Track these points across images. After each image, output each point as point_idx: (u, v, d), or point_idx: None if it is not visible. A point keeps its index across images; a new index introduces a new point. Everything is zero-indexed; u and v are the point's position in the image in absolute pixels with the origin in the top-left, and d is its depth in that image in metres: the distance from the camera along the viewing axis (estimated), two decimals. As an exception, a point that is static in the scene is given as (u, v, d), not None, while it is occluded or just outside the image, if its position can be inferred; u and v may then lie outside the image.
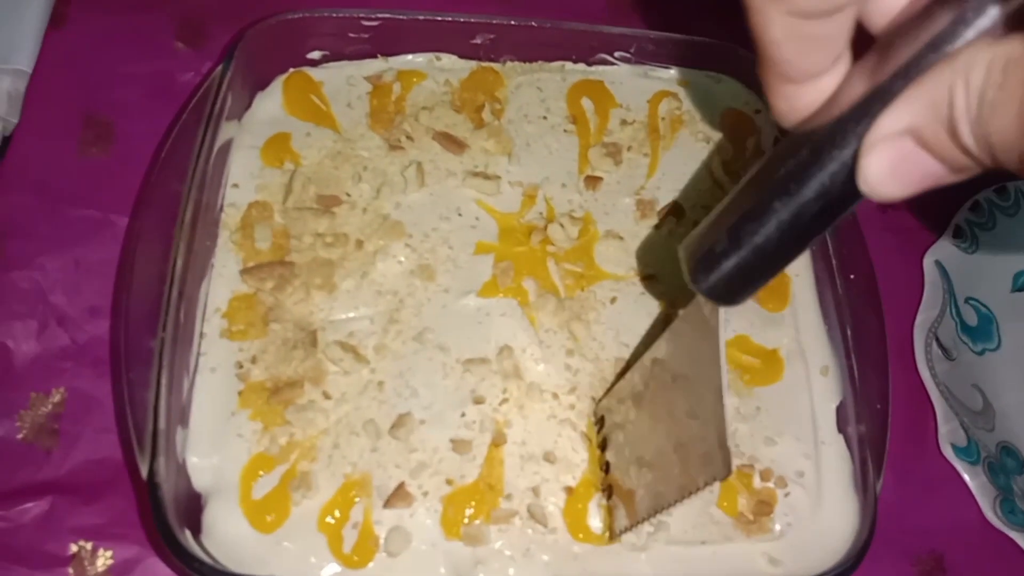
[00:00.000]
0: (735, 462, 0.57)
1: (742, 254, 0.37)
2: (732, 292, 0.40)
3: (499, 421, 0.57)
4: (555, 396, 0.58)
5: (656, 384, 0.51)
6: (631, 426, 0.53)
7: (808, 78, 0.33)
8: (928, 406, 0.70)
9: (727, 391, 0.43)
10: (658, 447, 0.50)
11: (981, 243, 0.75)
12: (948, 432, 0.69)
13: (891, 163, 0.29)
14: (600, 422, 0.57)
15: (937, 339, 0.73)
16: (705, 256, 0.39)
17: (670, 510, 0.48)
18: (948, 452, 0.68)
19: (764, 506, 0.56)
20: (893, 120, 0.29)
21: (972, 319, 0.74)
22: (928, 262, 0.76)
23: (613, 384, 0.58)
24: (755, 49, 0.33)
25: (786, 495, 0.57)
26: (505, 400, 0.58)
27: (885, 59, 0.30)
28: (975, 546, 0.67)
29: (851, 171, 0.31)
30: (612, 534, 0.54)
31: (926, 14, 0.29)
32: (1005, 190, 0.74)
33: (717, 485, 0.56)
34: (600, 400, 0.58)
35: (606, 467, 0.56)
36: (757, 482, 0.57)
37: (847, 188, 0.31)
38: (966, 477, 0.68)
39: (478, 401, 0.57)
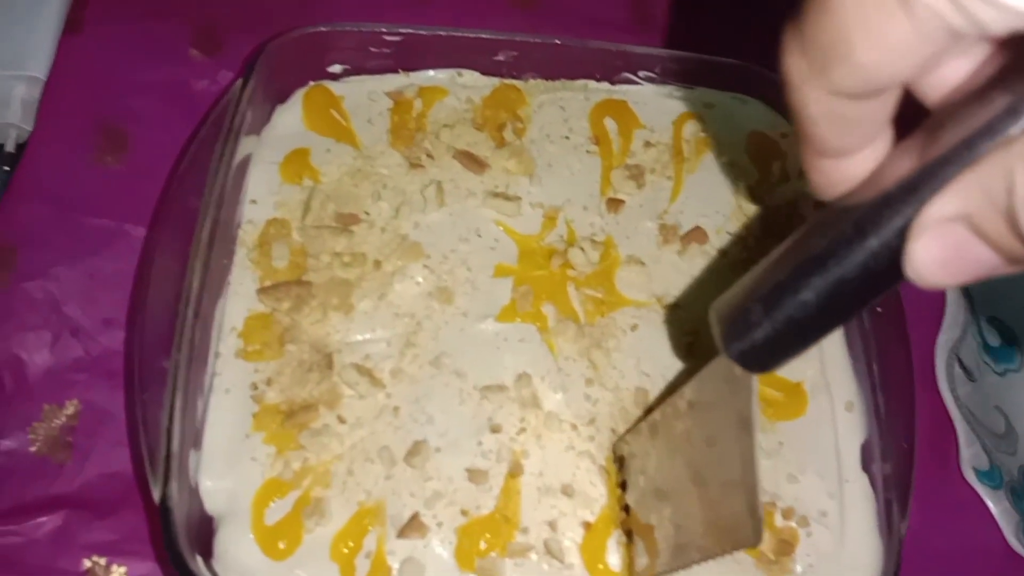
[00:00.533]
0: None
1: (776, 326, 0.36)
2: (764, 361, 0.39)
3: (516, 451, 0.56)
4: (573, 427, 0.57)
5: (682, 430, 0.50)
6: (653, 471, 0.52)
7: (847, 155, 0.32)
8: (950, 428, 0.69)
9: (759, 454, 0.41)
10: (682, 498, 0.49)
11: None
12: (971, 456, 0.68)
13: (942, 251, 0.28)
14: (620, 461, 0.56)
15: (959, 360, 0.72)
16: (738, 323, 0.38)
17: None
18: (970, 476, 0.67)
19: (786, 546, 0.55)
20: (946, 205, 0.27)
21: (995, 339, 0.73)
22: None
23: (636, 422, 0.57)
24: (794, 124, 0.32)
25: (808, 535, 0.56)
26: (523, 430, 0.57)
27: (936, 139, 0.29)
28: (997, 573, 0.66)
29: (895, 252, 0.30)
30: None
31: (982, 95, 0.28)
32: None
33: None
34: (621, 437, 0.57)
35: (626, 509, 0.55)
36: (779, 520, 0.56)
37: (890, 269, 0.30)
38: (988, 502, 0.67)
39: (495, 430, 0.56)
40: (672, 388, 0.53)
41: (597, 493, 0.56)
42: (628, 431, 0.57)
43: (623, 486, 0.56)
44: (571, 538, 0.54)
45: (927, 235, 0.28)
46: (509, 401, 0.57)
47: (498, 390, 0.57)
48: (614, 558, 0.54)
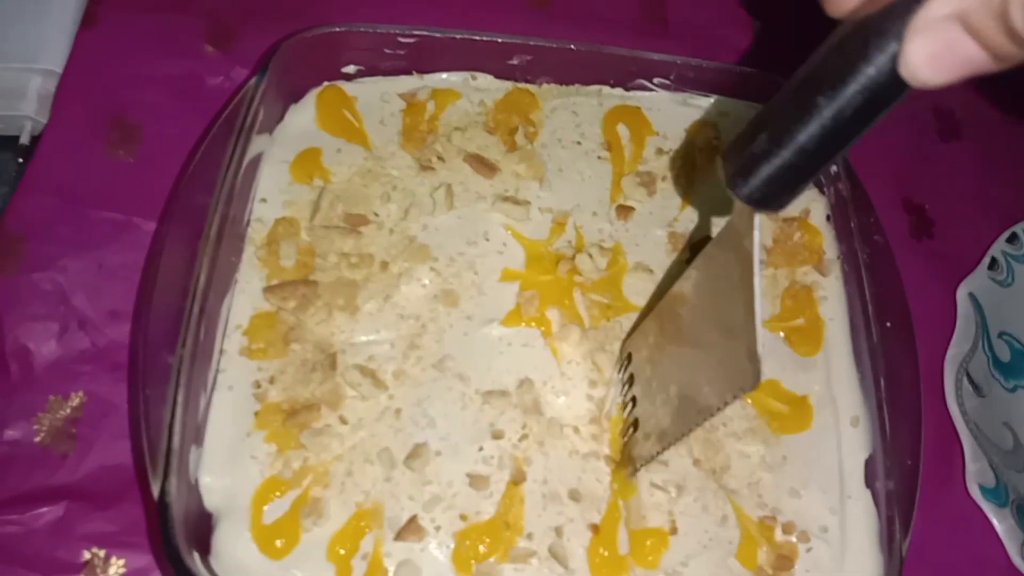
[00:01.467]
0: (758, 513, 0.56)
1: (783, 154, 0.37)
2: (771, 196, 0.40)
3: (518, 458, 0.56)
4: (576, 430, 0.57)
5: (685, 312, 0.50)
6: (658, 358, 0.53)
7: None
8: (956, 443, 0.68)
9: (760, 299, 0.41)
10: (686, 374, 0.49)
11: (1017, 276, 0.73)
12: (976, 472, 0.67)
13: (934, 48, 0.30)
14: (627, 359, 0.57)
15: (968, 374, 0.71)
16: (745, 160, 0.39)
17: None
18: (975, 492, 0.66)
19: (785, 561, 0.54)
20: (940, 5, 0.29)
21: (1005, 355, 0.72)
22: (961, 294, 0.74)
23: (639, 321, 0.58)
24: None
25: (808, 550, 0.55)
26: (525, 436, 0.56)
27: None
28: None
29: (896, 61, 0.31)
30: (632, 464, 0.54)
31: None
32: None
33: (736, 536, 0.55)
34: (627, 338, 0.58)
35: (632, 401, 0.55)
36: (779, 535, 0.55)
37: (891, 80, 0.32)
38: (994, 520, 0.66)
39: (497, 436, 0.56)
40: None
41: (603, 488, 0.56)
42: (633, 329, 0.57)
43: (630, 382, 0.56)
44: (578, 543, 0.54)
45: (921, 34, 0.30)
46: (511, 407, 0.57)
47: (500, 396, 0.57)
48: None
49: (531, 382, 0.58)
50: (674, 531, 0.55)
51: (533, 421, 0.57)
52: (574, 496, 0.55)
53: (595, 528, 0.54)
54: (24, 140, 0.69)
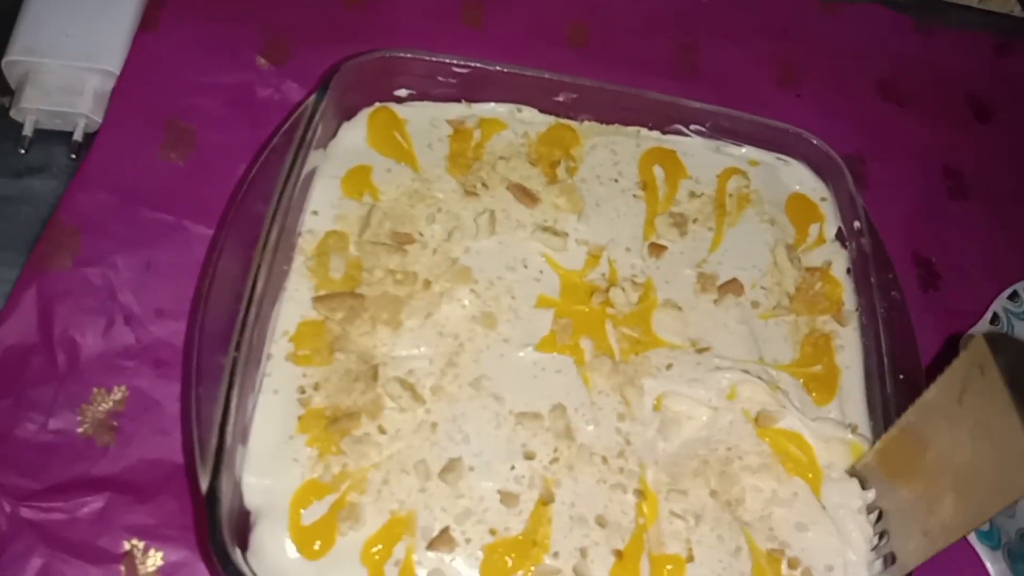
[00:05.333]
0: (767, 545, 0.58)
1: None
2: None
3: (548, 479, 0.58)
4: (604, 460, 0.60)
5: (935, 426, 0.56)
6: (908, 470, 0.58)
7: None
8: None
9: None
10: (951, 485, 0.54)
11: (1017, 331, 0.76)
12: None
13: None
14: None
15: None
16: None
17: None
18: (970, 536, 0.69)
19: None
20: None
21: None
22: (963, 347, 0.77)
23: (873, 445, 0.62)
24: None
25: (813, 587, 0.58)
26: (556, 459, 0.59)
27: None
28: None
29: None
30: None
31: None
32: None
33: (748, 568, 0.57)
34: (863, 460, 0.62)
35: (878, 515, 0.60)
36: (784, 569, 0.58)
37: None
38: (987, 563, 0.68)
39: (528, 456, 0.58)
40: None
41: (627, 520, 0.58)
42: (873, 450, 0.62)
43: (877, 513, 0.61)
44: (602, 566, 0.56)
45: None
46: (543, 431, 0.59)
47: (533, 418, 0.59)
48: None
49: (563, 408, 0.60)
50: (691, 559, 0.57)
51: (564, 446, 0.59)
52: (600, 522, 0.57)
53: (619, 554, 0.56)
54: (77, 136, 0.71)
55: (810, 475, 0.61)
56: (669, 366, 0.64)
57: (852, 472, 0.62)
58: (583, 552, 0.56)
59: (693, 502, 0.59)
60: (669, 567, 0.57)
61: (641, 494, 0.59)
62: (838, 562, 0.59)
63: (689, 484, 0.60)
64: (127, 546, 0.57)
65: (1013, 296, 0.77)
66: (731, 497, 0.60)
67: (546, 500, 0.57)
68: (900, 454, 0.59)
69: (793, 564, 0.58)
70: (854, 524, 0.60)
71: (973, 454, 0.52)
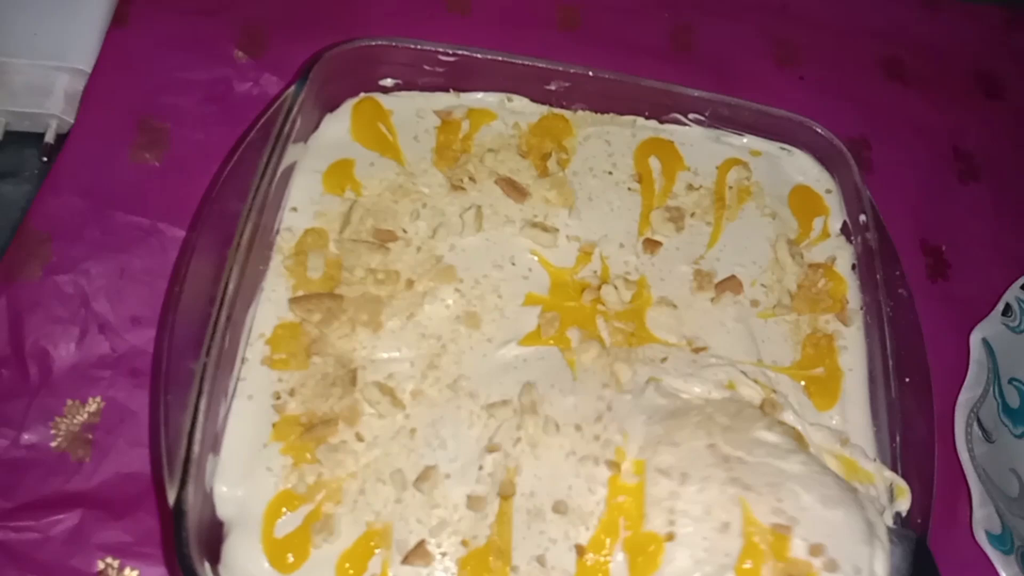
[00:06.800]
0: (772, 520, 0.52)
1: None
2: None
3: (510, 469, 0.55)
4: (578, 428, 0.57)
5: None
6: None
7: None
8: (964, 487, 0.68)
9: None
10: None
11: None
12: (983, 517, 0.67)
13: None
14: None
15: (978, 420, 0.71)
16: None
17: None
18: (981, 538, 0.66)
19: None
20: None
21: (1014, 400, 0.73)
22: (975, 339, 0.74)
23: None
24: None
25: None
26: (518, 440, 0.56)
27: None
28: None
29: None
30: None
31: None
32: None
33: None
34: None
35: None
36: (799, 551, 0.51)
37: None
38: (999, 566, 0.66)
39: (492, 449, 0.56)
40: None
41: (594, 501, 0.55)
42: None
43: None
44: (563, 569, 0.53)
45: None
46: (512, 415, 0.57)
47: (502, 405, 0.57)
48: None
49: (532, 385, 0.58)
50: (670, 537, 0.52)
51: (529, 422, 0.56)
52: (559, 509, 0.54)
53: (581, 550, 0.53)
54: (49, 138, 0.69)
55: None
56: (664, 359, 0.61)
57: None
58: (540, 560, 0.53)
59: (685, 455, 0.54)
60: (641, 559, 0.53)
61: (615, 466, 0.55)
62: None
63: (687, 436, 0.55)
64: (101, 565, 0.55)
65: None
66: (731, 452, 0.54)
67: (506, 494, 0.54)
68: None
69: (815, 551, 0.50)
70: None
71: None
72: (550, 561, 0.53)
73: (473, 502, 0.54)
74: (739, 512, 0.52)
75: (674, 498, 0.53)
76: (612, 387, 0.59)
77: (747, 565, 0.51)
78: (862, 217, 0.67)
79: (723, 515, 0.52)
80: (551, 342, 0.60)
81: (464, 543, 0.53)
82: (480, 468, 0.55)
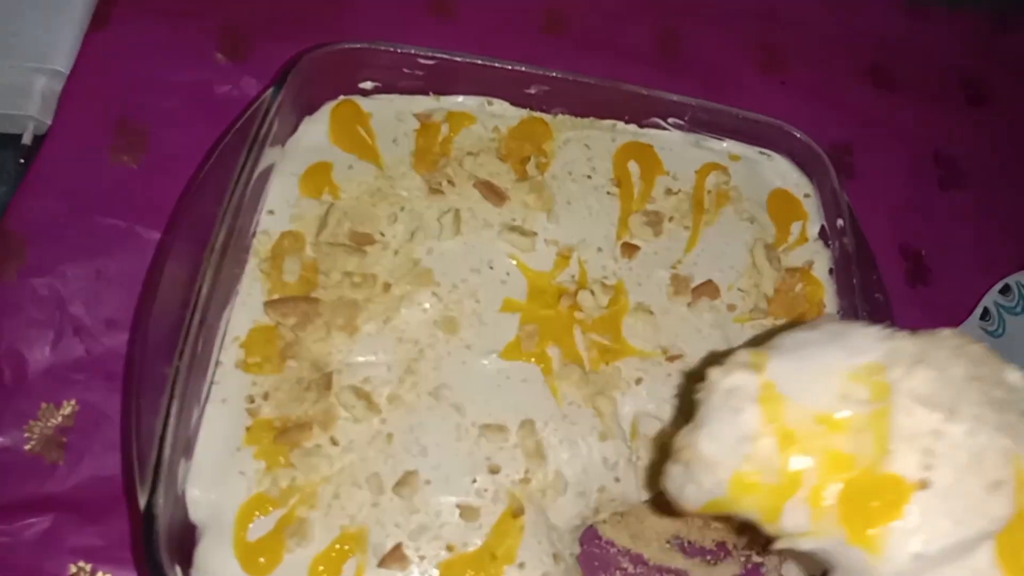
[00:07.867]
0: None
1: None
2: None
3: (518, 495, 0.55)
4: (582, 495, 0.57)
5: None
6: None
7: None
8: None
9: None
10: None
11: (1008, 327, 0.73)
12: None
13: None
14: None
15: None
16: None
17: None
18: None
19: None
20: None
21: None
22: None
23: None
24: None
25: None
26: (527, 480, 0.56)
27: None
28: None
29: None
30: None
31: None
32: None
33: None
34: None
35: None
36: None
37: None
38: None
39: (493, 470, 0.56)
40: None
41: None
42: None
43: None
44: None
45: None
46: (511, 447, 0.57)
47: (498, 430, 0.57)
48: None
49: (532, 423, 0.58)
50: None
51: (537, 468, 0.56)
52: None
53: None
54: (26, 140, 0.69)
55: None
56: (639, 380, 0.61)
57: None
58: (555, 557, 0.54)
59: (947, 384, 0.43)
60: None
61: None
62: None
63: (946, 361, 0.43)
64: (73, 569, 0.55)
65: (1005, 290, 0.74)
66: (995, 393, 0.42)
67: (516, 513, 0.54)
68: None
69: None
70: None
71: None
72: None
73: (466, 512, 0.54)
74: (1011, 471, 0.41)
75: (936, 437, 0.41)
76: (608, 437, 0.59)
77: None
78: (840, 221, 0.67)
79: (994, 470, 0.41)
80: (532, 359, 0.60)
81: (449, 548, 0.53)
82: (474, 482, 0.55)
